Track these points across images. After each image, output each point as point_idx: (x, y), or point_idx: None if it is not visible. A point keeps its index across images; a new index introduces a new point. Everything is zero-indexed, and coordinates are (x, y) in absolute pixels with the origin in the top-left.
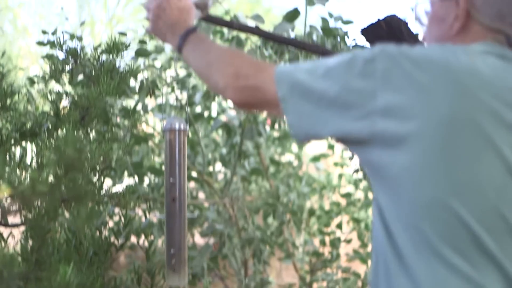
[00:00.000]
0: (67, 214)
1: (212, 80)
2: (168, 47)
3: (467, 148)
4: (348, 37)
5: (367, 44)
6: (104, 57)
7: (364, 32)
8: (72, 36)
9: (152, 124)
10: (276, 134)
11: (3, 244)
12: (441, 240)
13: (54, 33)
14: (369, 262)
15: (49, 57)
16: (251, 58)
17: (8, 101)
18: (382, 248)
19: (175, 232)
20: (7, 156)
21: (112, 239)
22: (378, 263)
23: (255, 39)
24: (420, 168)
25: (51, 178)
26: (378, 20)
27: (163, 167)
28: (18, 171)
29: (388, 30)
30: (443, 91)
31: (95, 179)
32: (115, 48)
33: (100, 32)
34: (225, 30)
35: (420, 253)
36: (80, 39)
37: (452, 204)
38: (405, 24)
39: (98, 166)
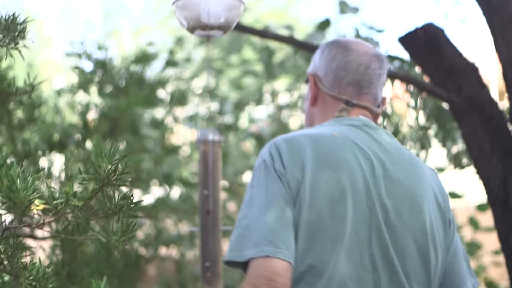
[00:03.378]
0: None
1: None
2: (196, 57)
3: None
4: (379, 46)
5: (405, 53)
6: (133, 67)
7: (402, 40)
8: (100, 47)
9: (181, 135)
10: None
11: (34, 258)
12: None
13: (81, 43)
14: None
15: (78, 68)
16: None
17: (36, 113)
18: None
19: (210, 245)
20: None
21: (142, 251)
22: None
23: (286, 49)
24: None
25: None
26: (416, 28)
27: (193, 178)
28: (46, 183)
29: (426, 38)
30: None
31: (127, 191)
32: (144, 58)
33: (126, 42)
34: (257, 39)
35: None
36: (107, 49)
37: None
38: (442, 32)
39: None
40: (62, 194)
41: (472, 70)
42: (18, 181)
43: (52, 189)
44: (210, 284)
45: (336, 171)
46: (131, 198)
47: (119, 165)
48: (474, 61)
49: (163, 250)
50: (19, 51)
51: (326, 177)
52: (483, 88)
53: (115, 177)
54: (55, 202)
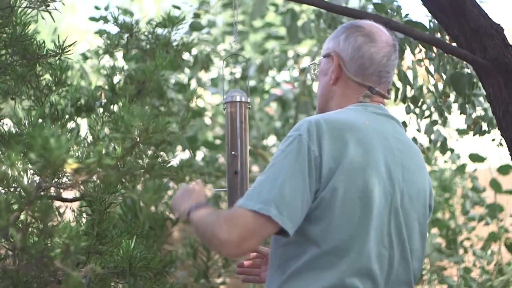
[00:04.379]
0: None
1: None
2: (220, 21)
3: None
4: (401, 12)
5: (423, 19)
6: (159, 31)
7: (426, 1)
8: (125, 12)
9: (205, 99)
10: None
11: (63, 219)
12: None
13: (106, 8)
14: None
15: (103, 32)
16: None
17: (64, 76)
18: None
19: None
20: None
21: (167, 213)
22: None
23: (309, 13)
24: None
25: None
26: None
27: (217, 141)
28: (78, 143)
29: (450, 0)
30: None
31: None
32: (170, 22)
33: (148, 7)
34: (280, 2)
35: None
36: (132, 14)
37: None
38: None
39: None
40: (94, 153)
41: (497, 31)
42: (52, 140)
43: (85, 149)
44: None
45: (368, 159)
46: (162, 157)
47: (150, 125)
48: (499, 22)
49: None
50: (50, 13)
51: (360, 164)
52: (508, 49)
53: (147, 136)
54: (87, 161)
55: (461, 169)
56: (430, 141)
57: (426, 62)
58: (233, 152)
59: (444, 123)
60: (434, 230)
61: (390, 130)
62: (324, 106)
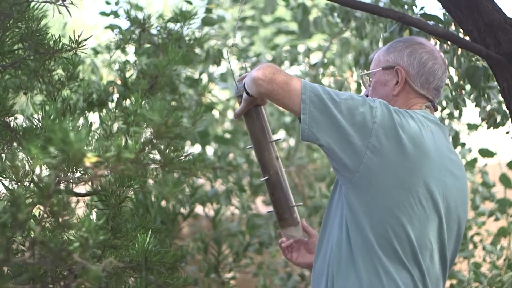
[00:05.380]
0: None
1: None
2: (229, 16)
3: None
4: (416, 5)
5: (438, 12)
6: (171, 25)
7: None
8: (137, 7)
9: (215, 94)
10: None
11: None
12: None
13: (117, 3)
14: None
15: (114, 27)
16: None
17: (76, 71)
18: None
19: (284, 189)
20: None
21: (179, 208)
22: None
23: (321, 7)
24: (387, 195)
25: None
26: None
27: (227, 135)
28: (98, 137)
29: None
30: (414, 155)
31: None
32: (182, 16)
33: (156, 1)
34: None
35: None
36: (142, 8)
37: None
38: None
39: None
40: (113, 147)
41: (510, 25)
42: (72, 134)
43: (103, 143)
44: (291, 224)
45: (428, 163)
46: (178, 151)
47: (169, 118)
48: None
49: (198, 208)
50: (67, 8)
51: (424, 165)
52: None
53: (165, 130)
54: (107, 154)
55: (472, 163)
56: None
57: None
58: (267, 139)
59: (460, 116)
60: None
61: (443, 139)
62: None
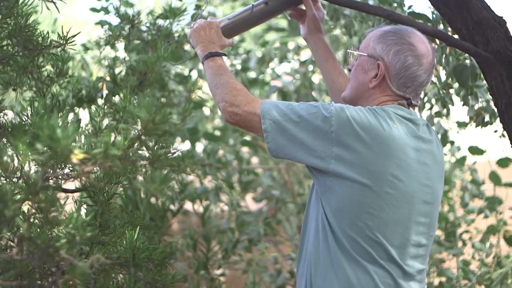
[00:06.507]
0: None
1: (215, 98)
2: (220, 13)
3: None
4: (404, 4)
5: (426, 11)
6: (160, 22)
7: None
8: (127, 3)
9: (205, 91)
10: (328, 99)
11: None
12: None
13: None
14: None
15: (104, 23)
16: (247, 92)
17: (65, 67)
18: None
19: None
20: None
21: (168, 204)
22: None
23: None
24: (355, 200)
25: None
26: None
27: (217, 133)
28: (85, 134)
29: None
30: (376, 151)
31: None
32: (171, 13)
33: None
34: None
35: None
36: (132, 5)
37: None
38: None
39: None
40: (100, 143)
41: (499, 23)
42: (58, 130)
43: (91, 140)
44: None
45: (392, 155)
46: (166, 147)
47: (157, 115)
48: (501, 14)
49: (187, 205)
50: (55, 4)
51: (388, 156)
52: (511, 41)
53: (152, 127)
54: (94, 151)
55: (461, 161)
56: None
57: None
58: None
59: (447, 114)
60: None
61: (416, 133)
62: (354, 99)
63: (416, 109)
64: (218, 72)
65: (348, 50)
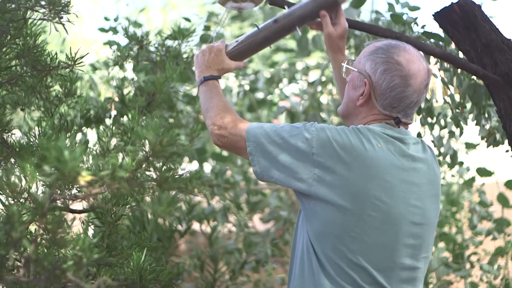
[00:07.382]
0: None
1: (206, 121)
2: (228, 34)
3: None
4: (417, 24)
5: (440, 30)
6: (169, 42)
7: (437, 16)
8: (135, 24)
9: None
10: (336, 120)
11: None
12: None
13: (115, 19)
14: None
15: (112, 43)
16: (235, 115)
17: (74, 87)
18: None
19: None
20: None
21: (176, 225)
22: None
23: None
24: (337, 224)
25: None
26: (452, 3)
27: (225, 153)
28: (92, 155)
29: (462, 14)
30: (358, 172)
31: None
32: (180, 34)
33: (155, 18)
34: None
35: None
36: (140, 25)
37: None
38: (479, 7)
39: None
40: (108, 165)
41: (508, 46)
42: (66, 152)
43: (99, 161)
44: None
45: (375, 175)
46: (174, 169)
47: (164, 137)
48: (510, 37)
49: (194, 225)
50: (63, 25)
51: (370, 177)
52: None
53: (160, 149)
54: (101, 173)
55: (469, 183)
56: (440, 154)
57: (442, 73)
58: None
59: (461, 134)
60: (441, 244)
61: (405, 152)
62: (346, 115)
63: (423, 128)
64: (210, 95)
65: (342, 64)
